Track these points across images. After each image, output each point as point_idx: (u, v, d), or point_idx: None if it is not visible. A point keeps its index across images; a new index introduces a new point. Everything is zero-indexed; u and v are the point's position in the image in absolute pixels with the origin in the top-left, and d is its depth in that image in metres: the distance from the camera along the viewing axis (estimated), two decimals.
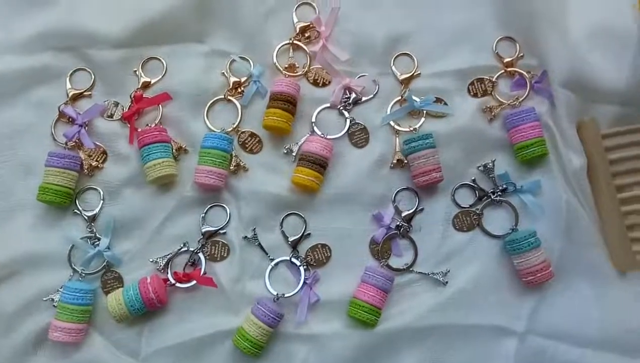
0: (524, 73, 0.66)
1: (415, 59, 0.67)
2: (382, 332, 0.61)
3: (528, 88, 0.66)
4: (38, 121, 0.65)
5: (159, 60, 0.67)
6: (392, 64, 0.67)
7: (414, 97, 0.65)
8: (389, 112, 0.67)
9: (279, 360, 0.61)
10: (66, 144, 0.64)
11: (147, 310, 0.59)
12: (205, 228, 0.63)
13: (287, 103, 0.63)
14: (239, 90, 0.66)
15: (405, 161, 0.64)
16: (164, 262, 0.62)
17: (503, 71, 0.67)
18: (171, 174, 0.62)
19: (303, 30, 0.68)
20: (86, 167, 0.63)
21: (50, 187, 0.60)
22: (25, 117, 0.65)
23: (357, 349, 0.60)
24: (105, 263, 0.62)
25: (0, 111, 0.65)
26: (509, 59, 0.67)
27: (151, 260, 0.62)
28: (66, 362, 0.60)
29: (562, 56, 0.65)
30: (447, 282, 0.62)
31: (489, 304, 0.62)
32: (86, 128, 0.64)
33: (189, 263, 0.63)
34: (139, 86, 0.66)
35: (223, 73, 0.67)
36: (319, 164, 0.62)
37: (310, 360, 0.60)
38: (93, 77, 0.66)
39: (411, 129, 0.65)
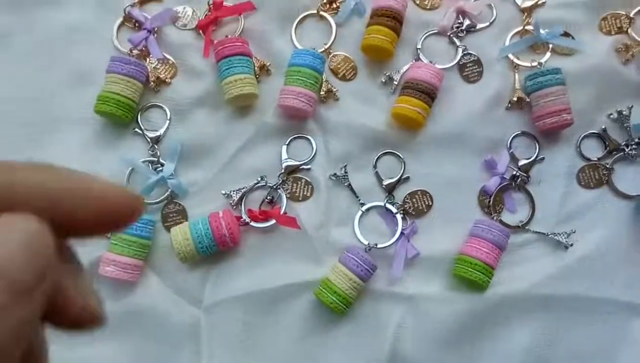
0: None
1: None
2: (491, 297, 0.51)
3: None
4: (97, 24, 0.56)
5: None
6: None
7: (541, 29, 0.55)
8: (507, 43, 0.57)
9: (369, 323, 0.51)
10: (131, 51, 0.55)
11: (217, 250, 0.50)
12: (287, 162, 0.53)
13: (393, 20, 0.53)
14: (334, 5, 0.57)
15: (527, 100, 0.54)
16: (237, 197, 0.52)
17: None
18: (252, 94, 0.52)
19: None
20: (152, 79, 0.54)
21: (112, 97, 0.51)
22: (83, 18, 0.56)
23: (462, 315, 0.50)
24: (168, 192, 0.52)
25: (53, 10, 0.56)
26: None
27: (223, 193, 0.52)
28: (117, 305, 0.50)
29: None
30: (571, 245, 0.52)
31: (618, 276, 0.52)
32: (155, 35, 0.55)
33: (267, 200, 0.53)
34: None
35: None
36: (427, 94, 0.52)
37: (406, 325, 0.50)
38: None
39: (535, 63, 0.55)
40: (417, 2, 0.57)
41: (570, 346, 0.51)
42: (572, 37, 0.57)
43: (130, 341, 0.50)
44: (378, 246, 0.52)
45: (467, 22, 0.57)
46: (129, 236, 0.49)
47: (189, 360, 0.49)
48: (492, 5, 0.57)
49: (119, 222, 0.18)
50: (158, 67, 0.55)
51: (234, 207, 0.52)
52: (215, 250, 0.50)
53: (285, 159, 0.53)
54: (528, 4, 0.57)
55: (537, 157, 0.54)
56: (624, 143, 0.55)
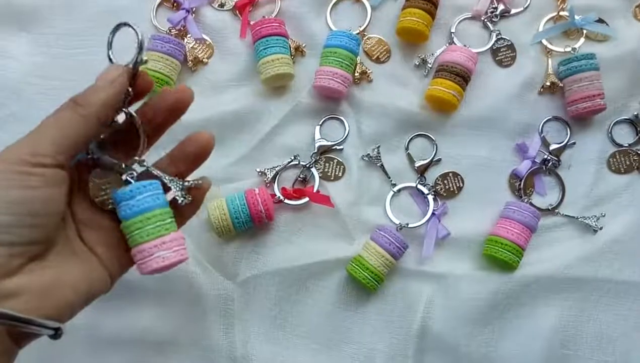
0: None
1: None
2: (520, 278, 0.51)
3: None
4: (134, 3, 0.57)
5: None
6: None
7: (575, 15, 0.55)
8: (540, 29, 0.57)
9: (398, 300, 0.52)
10: (169, 30, 0.56)
11: (252, 226, 0.51)
12: (320, 142, 0.54)
13: (429, 2, 0.54)
14: None
15: (561, 85, 0.54)
16: (271, 175, 0.53)
17: None
18: (288, 74, 0.53)
19: None
20: (190, 58, 0.55)
21: (151, 74, 0.52)
22: None
23: (491, 294, 0.51)
24: None
25: None
26: None
27: (258, 170, 0.54)
28: (155, 277, 0.51)
29: None
30: (600, 228, 0.53)
31: None
32: (193, 15, 0.56)
33: (299, 178, 0.54)
34: None
35: None
36: (462, 77, 0.53)
37: (435, 303, 0.51)
38: None
39: (569, 49, 0.55)
40: None
41: (595, 328, 0.51)
42: (606, 24, 0.57)
43: (166, 312, 0.51)
44: (409, 226, 0.52)
45: (501, 7, 0.57)
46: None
47: (222, 332, 0.51)
48: None
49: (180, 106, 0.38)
50: (195, 46, 0.56)
51: (268, 184, 0.53)
52: (250, 226, 0.51)
53: (319, 139, 0.54)
54: None
55: (568, 141, 0.55)
56: None
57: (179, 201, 0.38)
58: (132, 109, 0.37)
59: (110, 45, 0.36)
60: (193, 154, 0.40)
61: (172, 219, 0.37)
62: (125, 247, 0.37)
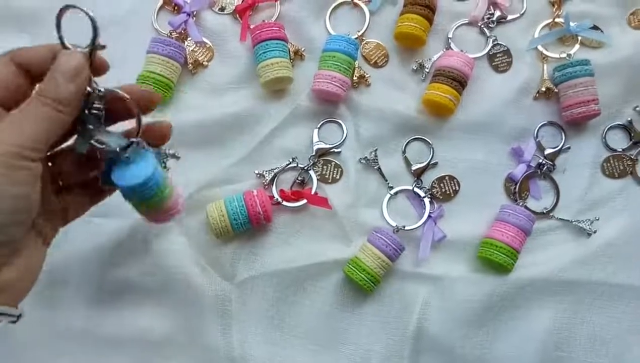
0: None
1: None
2: (515, 280, 0.52)
3: None
4: (136, 6, 0.58)
5: None
6: None
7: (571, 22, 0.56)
8: (536, 35, 0.58)
9: (395, 302, 0.52)
10: (170, 33, 0.56)
11: (250, 227, 0.52)
12: (318, 145, 0.55)
13: (426, 8, 0.55)
14: None
15: (556, 90, 0.55)
16: (269, 177, 0.54)
17: None
18: (287, 77, 0.54)
19: None
20: (191, 61, 0.56)
21: (151, 76, 0.52)
22: (122, 2, 0.57)
23: (486, 297, 0.51)
24: None
25: None
26: None
27: (256, 172, 0.54)
28: (153, 278, 0.52)
29: None
30: (595, 232, 0.53)
31: (639, 263, 0.53)
32: (194, 18, 0.56)
33: (298, 181, 0.55)
34: None
35: None
36: (459, 82, 0.53)
37: (431, 304, 0.52)
38: None
39: (564, 55, 0.56)
40: None
41: (589, 331, 0.52)
42: (601, 31, 0.58)
43: (164, 312, 0.52)
44: (406, 228, 0.53)
45: (497, 13, 0.58)
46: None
47: (220, 333, 0.51)
48: None
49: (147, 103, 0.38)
50: (196, 49, 0.56)
51: (266, 186, 0.54)
52: (248, 227, 0.52)
53: (317, 142, 0.55)
54: None
55: (563, 146, 0.55)
56: None
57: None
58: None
59: (58, 28, 0.34)
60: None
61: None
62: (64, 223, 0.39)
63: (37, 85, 0.33)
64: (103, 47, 0.34)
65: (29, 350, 0.51)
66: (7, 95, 0.34)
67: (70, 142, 0.37)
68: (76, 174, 0.40)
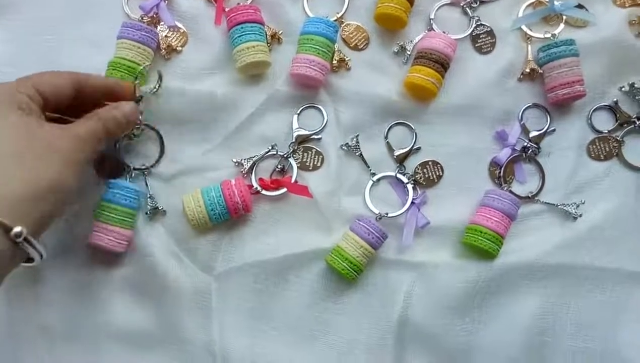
0: None
1: None
2: (500, 265, 0.51)
3: None
4: None
5: None
6: None
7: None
8: (520, 15, 0.56)
9: (378, 290, 0.51)
10: (142, 18, 0.54)
11: (229, 218, 0.50)
12: (298, 132, 0.53)
13: None
14: None
15: (540, 71, 0.54)
16: (248, 165, 0.52)
17: None
18: (265, 62, 0.52)
19: None
20: (164, 47, 0.54)
21: (123, 63, 0.50)
22: None
23: (471, 283, 0.50)
24: None
25: None
26: None
27: (234, 161, 0.52)
28: (130, 270, 0.51)
29: None
30: (580, 215, 0.53)
31: (626, 247, 0.53)
32: (166, 2, 0.54)
33: (277, 169, 0.53)
34: None
35: None
36: (441, 64, 0.52)
37: (415, 292, 0.51)
38: None
39: (548, 35, 0.55)
40: None
41: (575, 314, 0.51)
42: (586, 9, 0.56)
43: (142, 305, 0.50)
44: (389, 215, 0.52)
45: None
46: (115, 205, 0.48)
47: (199, 325, 0.50)
48: None
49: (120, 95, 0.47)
50: (169, 35, 0.54)
51: (244, 175, 0.53)
52: (227, 218, 0.50)
53: (297, 128, 0.53)
54: None
55: (548, 128, 0.54)
56: (635, 116, 0.55)
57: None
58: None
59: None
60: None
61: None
62: None
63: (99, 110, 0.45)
64: (141, 97, 0.49)
65: (6, 347, 0.49)
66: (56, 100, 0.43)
67: None
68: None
